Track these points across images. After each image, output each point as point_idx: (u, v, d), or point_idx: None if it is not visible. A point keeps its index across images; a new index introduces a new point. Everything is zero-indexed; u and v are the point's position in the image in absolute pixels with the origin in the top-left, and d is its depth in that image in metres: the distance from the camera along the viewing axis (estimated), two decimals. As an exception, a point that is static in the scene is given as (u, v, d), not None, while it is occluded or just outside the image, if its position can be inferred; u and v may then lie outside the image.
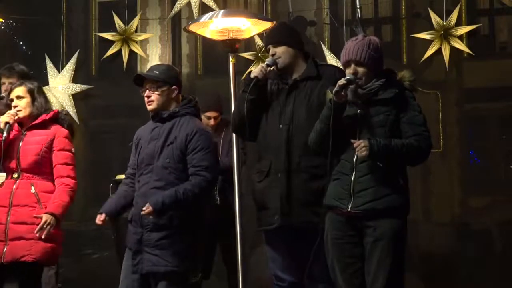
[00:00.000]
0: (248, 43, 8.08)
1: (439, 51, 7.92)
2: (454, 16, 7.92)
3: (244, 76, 7.62)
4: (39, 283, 4.50)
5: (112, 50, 8.61)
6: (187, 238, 4.04)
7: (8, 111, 4.55)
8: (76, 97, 8.58)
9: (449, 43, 7.90)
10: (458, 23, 7.98)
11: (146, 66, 8.25)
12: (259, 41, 8.10)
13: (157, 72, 4.20)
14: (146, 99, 4.18)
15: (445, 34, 7.91)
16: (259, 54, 8.12)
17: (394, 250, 3.70)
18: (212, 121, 5.69)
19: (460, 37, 7.95)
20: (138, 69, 8.57)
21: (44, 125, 4.52)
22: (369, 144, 3.62)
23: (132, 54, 8.67)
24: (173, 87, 4.19)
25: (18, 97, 4.51)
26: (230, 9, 7.14)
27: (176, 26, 8.93)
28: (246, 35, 4.52)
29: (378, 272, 3.68)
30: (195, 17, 7.28)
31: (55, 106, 7.86)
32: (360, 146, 3.63)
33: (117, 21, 8.59)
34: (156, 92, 4.15)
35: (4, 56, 8.42)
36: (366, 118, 3.77)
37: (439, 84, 8.09)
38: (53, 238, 4.38)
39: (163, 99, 4.17)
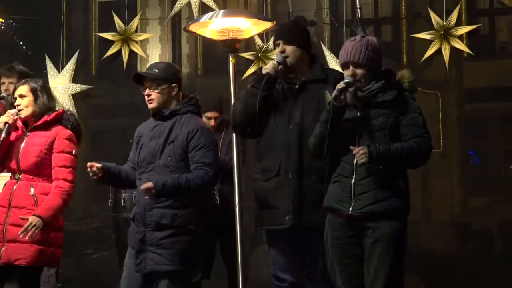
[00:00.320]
0: (248, 43, 8.08)
1: (439, 51, 7.93)
2: (454, 16, 7.93)
3: (244, 77, 7.71)
4: (38, 285, 4.46)
5: (112, 50, 8.62)
6: (189, 238, 4.03)
7: (8, 111, 4.53)
8: (76, 97, 8.59)
9: (449, 43, 7.91)
10: (458, 23, 7.99)
11: (146, 66, 8.17)
12: (259, 41, 8.11)
13: (156, 70, 4.19)
14: (146, 97, 4.17)
15: (445, 34, 7.92)
16: (259, 54, 8.13)
17: (393, 251, 3.69)
18: (212, 122, 5.69)
19: (460, 37, 7.95)
20: (138, 69, 8.58)
21: (46, 126, 4.46)
22: (368, 151, 3.60)
23: (132, 54, 8.68)
24: (173, 84, 4.18)
25: (21, 96, 4.48)
26: (230, 9, 7.13)
27: (176, 26, 8.94)
28: (246, 35, 4.51)
29: (378, 273, 3.67)
30: (195, 17, 7.28)
31: (58, 106, 7.87)
32: (359, 154, 3.61)
33: (117, 21, 8.60)
34: (156, 91, 4.14)
35: (4, 56, 8.42)
36: (365, 120, 3.75)
37: (439, 84, 8.10)
38: (50, 240, 4.33)
39: (164, 97, 4.15)
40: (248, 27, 4.45)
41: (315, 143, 3.81)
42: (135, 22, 8.64)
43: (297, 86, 4.13)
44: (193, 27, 4.57)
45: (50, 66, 8.54)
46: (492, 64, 8.33)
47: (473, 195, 8.26)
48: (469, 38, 8.04)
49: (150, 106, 4.18)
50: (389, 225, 3.69)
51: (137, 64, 8.83)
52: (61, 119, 4.51)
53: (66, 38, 8.67)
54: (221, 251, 5.71)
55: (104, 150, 8.92)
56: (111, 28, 8.67)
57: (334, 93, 3.64)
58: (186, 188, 3.96)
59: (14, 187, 4.39)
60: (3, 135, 4.40)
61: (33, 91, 4.47)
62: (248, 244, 6.15)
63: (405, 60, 8.39)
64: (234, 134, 4.44)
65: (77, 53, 8.63)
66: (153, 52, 8.86)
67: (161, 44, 8.91)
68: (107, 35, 8.69)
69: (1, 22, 8.78)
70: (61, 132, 4.46)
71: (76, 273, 7.61)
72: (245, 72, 7.97)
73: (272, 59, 4.40)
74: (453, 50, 7.92)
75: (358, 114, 3.76)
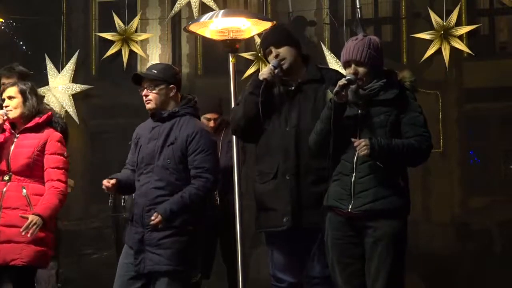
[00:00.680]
0: (248, 43, 8.08)
1: (439, 51, 7.93)
2: (454, 16, 7.93)
3: (244, 77, 7.71)
4: (33, 286, 4.47)
5: (112, 50, 8.62)
6: (188, 238, 4.04)
7: None
8: (76, 97, 8.59)
9: (449, 43, 7.91)
10: (458, 23, 8.00)
11: (146, 66, 8.20)
12: (259, 41, 8.10)
13: (155, 71, 4.19)
14: (144, 98, 4.17)
15: (445, 34, 7.92)
16: (259, 54, 8.12)
17: (394, 250, 3.69)
18: (211, 123, 5.67)
19: (460, 37, 7.96)
20: (138, 69, 8.58)
21: (37, 128, 4.47)
22: (370, 143, 3.60)
23: (132, 54, 8.68)
24: (171, 85, 4.17)
25: (10, 98, 4.48)
26: (230, 9, 7.13)
27: (176, 26, 8.94)
28: (246, 35, 4.51)
29: (378, 272, 3.68)
30: (195, 17, 7.28)
31: (55, 106, 7.88)
32: (361, 145, 3.62)
33: (117, 21, 8.60)
34: (154, 91, 4.14)
35: (4, 56, 8.42)
36: (366, 118, 3.75)
37: (439, 84, 8.10)
38: (43, 241, 4.34)
39: (161, 98, 4.15)
40: (248, 27, 4.45)
41: (316, 140, 3.82)
42: (135, 22, 8.64)
43: (293, 88, 4.11)
44: (193, 27, 4.57)
45: (50, 66, 8.54)
46: (492, 64, 8.33)
47: (473, 195, 8.27)
48: (469, 38, 8.04)
49: (147, 106, 4.18)
50: (390, 225, 3.70)
51: (137, 64, 8.83)
52: (51, 121, 4.54)
53: (66, 38, 8.67)
54: (221, 251, 5.71)
55: (104, 150, 8.94)
56: (111, 28, 8.67)
57: (336, 89, 3.65)
58: (191, 204, 4.00)
59: (4, 189, 4.39)
60: None
61: (22, 92, 4.48)
62: (248, 244, 6.14)
63: (405, 60, 8.39)
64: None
65: (77, 53, 8.63)
66: (153, 52, 8.86)
67: (161, 44, 8.91)
68: (107, 35, 8.69)
69: (1, 22, 8.78)
70: (53, 135, 4.49)
71: (76, 273, 7.62)
72: (245, 72, 7.97)
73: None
74: (453, 50, 7.93)
75: (359, 111, 3.77)
